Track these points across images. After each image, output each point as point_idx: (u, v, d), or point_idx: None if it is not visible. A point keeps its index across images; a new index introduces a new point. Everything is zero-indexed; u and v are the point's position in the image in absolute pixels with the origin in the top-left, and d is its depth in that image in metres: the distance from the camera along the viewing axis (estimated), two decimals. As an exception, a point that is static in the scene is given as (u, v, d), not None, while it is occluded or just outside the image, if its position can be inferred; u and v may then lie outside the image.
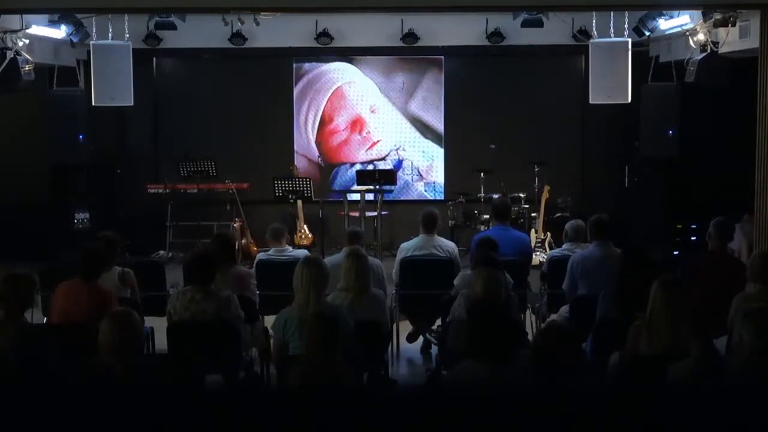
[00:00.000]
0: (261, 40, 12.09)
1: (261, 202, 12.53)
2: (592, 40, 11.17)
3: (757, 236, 8.11)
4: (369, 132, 13.16)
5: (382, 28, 12.07)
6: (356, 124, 13.15)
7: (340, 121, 13.15)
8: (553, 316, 7.02)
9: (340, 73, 13.13)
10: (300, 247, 10.89)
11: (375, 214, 11.47)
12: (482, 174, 11.90)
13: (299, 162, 12.89)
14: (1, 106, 11.50)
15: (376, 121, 13.11)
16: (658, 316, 4.88)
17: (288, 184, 11.67)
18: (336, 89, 13.09)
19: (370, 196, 11.58)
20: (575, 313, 6.45)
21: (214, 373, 5.72)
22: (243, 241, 11.55)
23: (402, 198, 12.91)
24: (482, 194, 11.88)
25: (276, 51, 12.68)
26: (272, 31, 11.90)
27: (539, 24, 11.30)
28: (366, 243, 8.82)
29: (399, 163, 13.15)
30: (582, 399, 2.14)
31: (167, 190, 12.07)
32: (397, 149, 13.18)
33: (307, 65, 13.06)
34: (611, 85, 10.74)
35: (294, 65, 13.00)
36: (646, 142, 11.62)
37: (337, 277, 6.04)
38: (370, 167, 12.73)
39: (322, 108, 13.12)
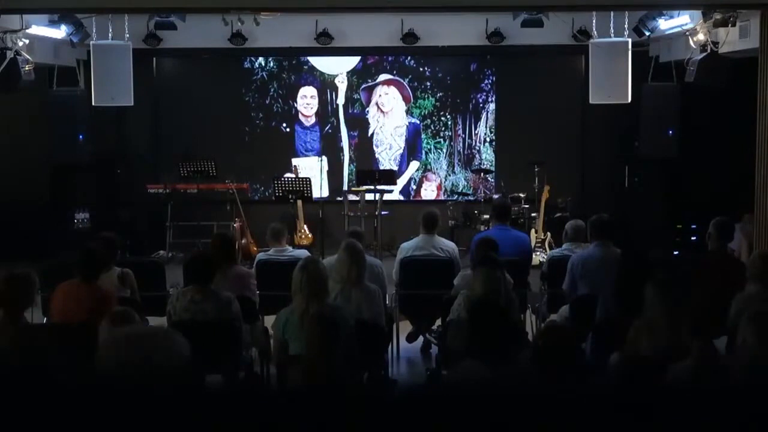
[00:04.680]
0: (261, 40, 12.09)
1: (261, 202, 12.55)
2: (592, 40, 11.16)
3: (757, 236, 8.12)
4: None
5: (382, 28, 12.07)
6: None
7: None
8: (553, 316, 7.02)
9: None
10: (300, 247, 10.87)
11: (375, 214, 11.48)
12: (483, 174, 11.91)
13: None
14: (1, 106, 11.50)
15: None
16: (657, 315, 4.89)
17: (288, 184, 11.68)
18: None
19: (370, 196, 11.59)
20: (575, 313, 6.46)
21: (214, 373, 5.72)
22: (243, 241, 11.55)
23: (403, 198, 12.93)
24: (482, 194, 11.88)
25: (276, 51, 12.70)
26: (272, 31, 11.91)
27: (539, 24, 11.29)
28: (366, 243, 8.82)
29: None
30: (582, 399, 2.14)
31: (167, 190, 12.07)
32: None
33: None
34: (611, 85, 10.73)
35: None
36: (646, 142, 11.62)
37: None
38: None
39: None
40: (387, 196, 11.79)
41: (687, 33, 10.03)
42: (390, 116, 13.04)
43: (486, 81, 12.94)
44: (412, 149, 13.07)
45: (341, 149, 13.07)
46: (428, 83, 12.95)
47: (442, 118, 13.01)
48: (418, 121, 13.02)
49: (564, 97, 12.68)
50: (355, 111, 13.03)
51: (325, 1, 8.38)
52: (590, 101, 11.07)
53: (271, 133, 13.02)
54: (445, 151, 13.05)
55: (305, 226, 11.92)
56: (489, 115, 12.96)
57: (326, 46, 12.17)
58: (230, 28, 11.81)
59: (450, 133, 13.01)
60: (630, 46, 10.73)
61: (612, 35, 11.03)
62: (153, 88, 12.81)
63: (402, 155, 13.03)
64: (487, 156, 12.93)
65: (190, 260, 6.30)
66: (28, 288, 5.40)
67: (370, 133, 13.06)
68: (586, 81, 11.32)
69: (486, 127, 12.96)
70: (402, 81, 12.94)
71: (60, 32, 10.37)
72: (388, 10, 10.95)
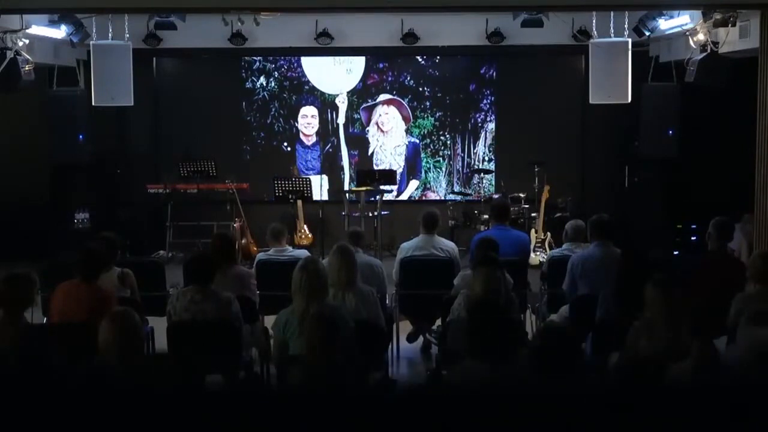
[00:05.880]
0: (261, 40, 12.09)
1: (261, 202, 12.54)
2: (592, 40, 11.16)
3: (757, 236, 8.12)
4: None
5: (382, 28, 12.07)
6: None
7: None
8: (553, 316, 7.02)
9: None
10: (300, 247, 10.88)
11: (375, 214, 11.47)
12: (481, 174, 11.91)
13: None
14: (1, 106, 11.50)
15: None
16: (656, 315, 4.89)
17: (288, 184, 11.68)
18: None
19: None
20: (575, 313, 6.45)
21: (214, 373, 5.72)
22: (243, 241, 11.55)
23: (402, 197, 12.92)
24: (482, 194, 11.89)
25: (276, 51, 12.70)
26: (272, 31, 11.91)
27: (539, 24, 11.29)
28: (366, 243, 8.82)
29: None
30: (582, 399, 2.14)
31: (167, 190, 12.07)
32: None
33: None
34: (611, 85, 10.72)
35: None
36: (646, 142, 11.61)
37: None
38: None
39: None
40: (387, 197, 11.78)
41: (687, 33, 10.02)
42: (390, 135, 13.04)
43: (485, 101, 12.93)
44: (412, 168, 13.07)
45: (342, 168, 13.07)
46: (427, 103, 12.95)
47: (442, 138, 13.01)
48: (417, 141, 13.02)
49: (564, 97, 12.68)
50: (356, 130, 13.03)
51: (325, 1, 8.38)
52: (590, 101, 11.06)
53: (272, 153, 13.02)
54: (444, 170, 13.05)
55: (305, 226, 11.92)
56: (488, 134, 12.96)
57: (326, 46, 12.16)
58: (230, 28, 11.81)
59: (449, 153, 13.02)
60: (630, 46, 10.72)
61: (612, 35, 11.03)
62: (153, 88, 12.81)
63: (402, 174, 13.01)
64: (485, 174, 12.88)
65: (190, 260, 6.29)
66: (28, 288, 5.40)
67: (370, 152, 13.05)
68: (586, 81, 11.32)
69: (485, 146, 12.96)
70: (402, 101, 12.94)
71: (60, 32, 10.36)
72: (388, 10, 10.95)
